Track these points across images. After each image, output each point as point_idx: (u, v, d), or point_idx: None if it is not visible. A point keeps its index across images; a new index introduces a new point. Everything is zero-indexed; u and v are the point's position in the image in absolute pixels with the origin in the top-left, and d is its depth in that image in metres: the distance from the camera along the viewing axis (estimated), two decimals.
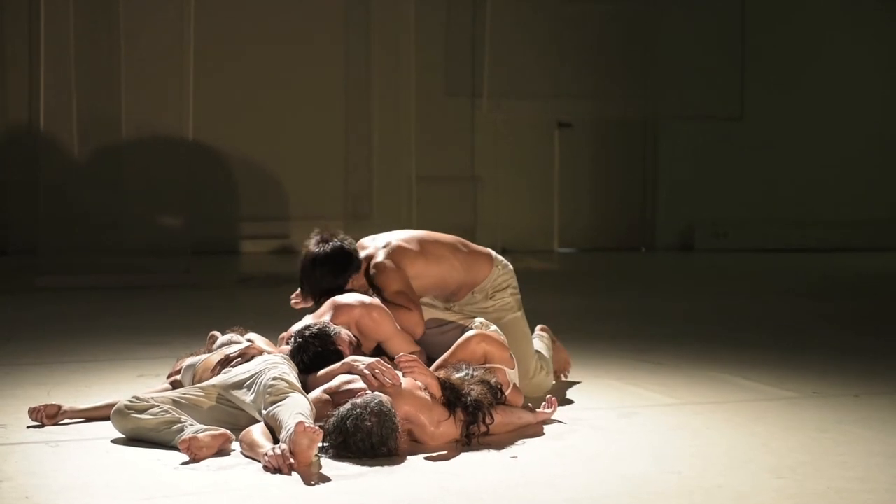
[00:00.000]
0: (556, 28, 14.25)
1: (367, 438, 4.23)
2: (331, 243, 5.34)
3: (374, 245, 5.52)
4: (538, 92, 14.23)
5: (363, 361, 4.67)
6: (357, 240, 5.57)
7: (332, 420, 4.30)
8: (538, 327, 6.00)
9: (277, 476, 4.03)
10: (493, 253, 5.76)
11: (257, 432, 4.33)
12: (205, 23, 11.82)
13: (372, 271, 5.40)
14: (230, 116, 13.30)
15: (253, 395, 4.52)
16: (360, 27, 13.67)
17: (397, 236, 5.55)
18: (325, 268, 5.30)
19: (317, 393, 4.62)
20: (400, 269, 5.37)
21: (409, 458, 4.33)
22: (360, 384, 4.58)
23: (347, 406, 4.31)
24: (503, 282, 5.66)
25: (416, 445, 4.48)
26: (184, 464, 4.18)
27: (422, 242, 5.55)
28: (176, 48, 10.79)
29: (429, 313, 5.41)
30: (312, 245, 5.38)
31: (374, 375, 4.55)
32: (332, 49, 13.69)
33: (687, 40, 14.65)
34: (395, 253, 5.43)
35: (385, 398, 4.37)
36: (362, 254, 5.47)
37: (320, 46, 13.64)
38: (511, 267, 5.76)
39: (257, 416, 4.52)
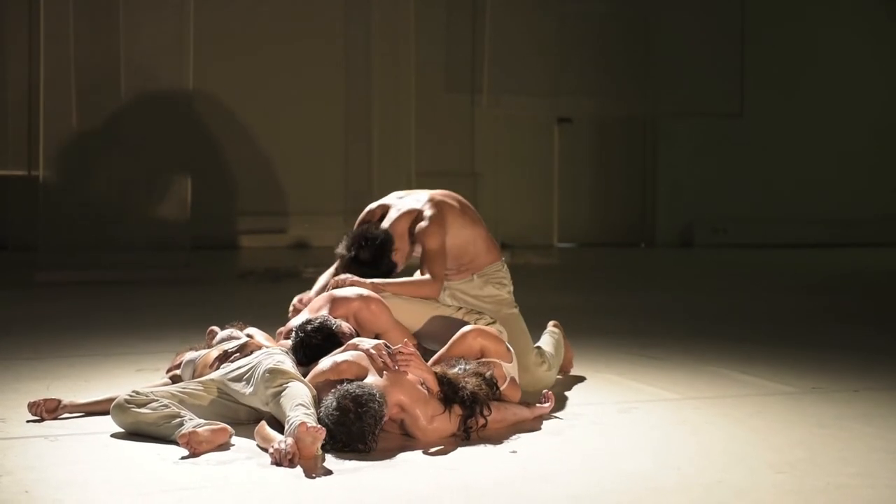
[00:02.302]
0: (556, 24, 14.25)
1: (343, 419, 4.23)
2: (365, 248, 5.41)
3: (414, 200, 5.59)
4: (538, 88, 14.23)
5: (367, 342, 4.70)
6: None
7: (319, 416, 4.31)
8: (551, 323, 6.00)
9: (276, 470, 4.03)
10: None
11: (269, 426, 4.36)
12: (205, 18, 11.82)
13: (421, 224, 5.46)
14: (231, 112, 13.30)
15: (252, 388, 4.53)
16: (361, 23, 13.66)
17: (437, 192, 5.65)
18: (371, 264, 5.38)
19: (326, 363, 4.62)
20: (442, 228, 5.46)
21: (407, 453, 4.33)
22: (367, 344, 4.62)
23: (329, 396, 4.32)
24: (502, 277, 5.70)
25: (414, 441, 4.48)
26: (183, 458, 4.18)
27: (460, 201, 5.67)
28: (176, 44, 10.79)
29: (432, 311, 5.40)
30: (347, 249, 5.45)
31: (379, 356, 4.57)
32: (332, 45, 13.68)
33: (687, 37, 14.66)
34: (442, 207, 5.53)
35: (367, 384, 4.38)
36: (403, 207, 5.56)
37: (320, 42, 13.64)
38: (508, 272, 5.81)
39: (259, 407, 4.53)
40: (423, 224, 5.48)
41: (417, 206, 5.56)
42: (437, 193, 5.65)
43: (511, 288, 5.74)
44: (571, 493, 3.88)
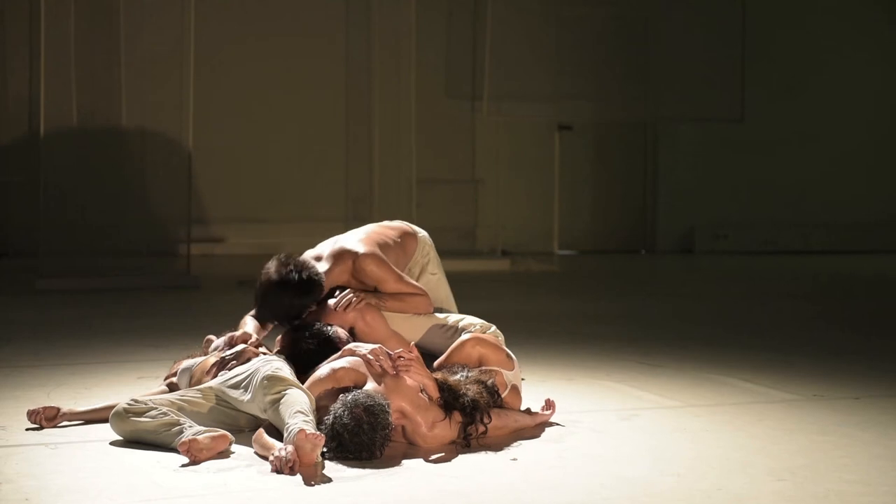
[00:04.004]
0: (556, 31, 14.26)
1: (357, 430, 4.22)
2: (296, 269, 5.08)
3: (338, 249, 5.38)
4: (538, 94, 14.23)
5: (364, 347, 4.69)
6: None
7: (326, 424, 4.30)
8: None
9: (277, 478, 4.03)
10: (410, 225, 5.74)
11: (268, 433, 4.36)
12: (205, 25, 11.82)
13: (363, 269, 5.30)
14: (231, 119, 13.31)
15: (250, 395, 4.53)
16: (361, 30, 13.67)
17: (353, 236, 5.47)
18: (289, 292, 5.07)
19: (324, 370, 4.61)
20: (385, 262, 5.33)
21: (408, 460, 4.33)
22: (364, 349, 4.62)
23: (338, 404, 4.31)
24: (427, 253, 5.70)
25: (415, 448, 4.48)
26: (183, 466, 4.18)
27: (370, 236, 5.49)
28: (176, 50, 10.79)
29: (429, 322, 5.40)
30: (274, 269, 5.12)
31: (376, 361, 4.56)
32: (332, 52, 13.69)
33: (687, 43, 14.66)
34: (370, 244, 5.38)
35: (373, 392, 4.38)
36: (326, 265, 5.34)
37: (321, 49, 13.65)
38: (425, 233, 5.77)
39: (258, 414, 4.53)
40: (365, 270, 5.30)
41: (346, 258, 5.32)
42: (363, 237, 5.43)
43: (436, 259, 5.72)
44: (572, 500, 3.88)
